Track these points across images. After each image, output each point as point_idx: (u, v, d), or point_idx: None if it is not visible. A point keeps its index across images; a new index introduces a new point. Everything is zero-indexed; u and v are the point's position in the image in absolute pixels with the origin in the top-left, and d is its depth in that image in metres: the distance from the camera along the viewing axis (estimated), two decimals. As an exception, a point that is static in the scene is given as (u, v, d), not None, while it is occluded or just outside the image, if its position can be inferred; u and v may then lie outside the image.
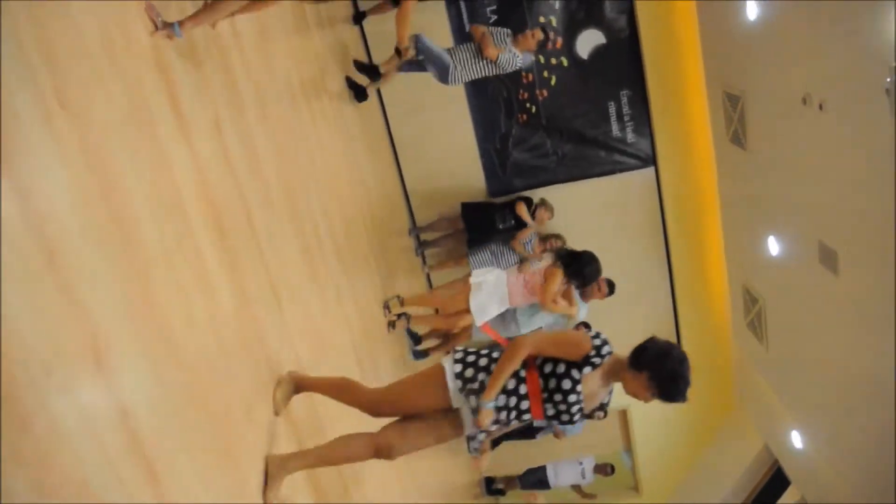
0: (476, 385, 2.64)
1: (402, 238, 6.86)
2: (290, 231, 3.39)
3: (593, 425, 7.19)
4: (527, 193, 7.12)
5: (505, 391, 2.63)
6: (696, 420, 8.09)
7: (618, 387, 2.71)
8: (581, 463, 8.03)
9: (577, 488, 8.37)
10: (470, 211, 7.02)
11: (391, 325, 5.15)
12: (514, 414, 2.65)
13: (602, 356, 2.60)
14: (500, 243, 6.88)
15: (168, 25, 2.41)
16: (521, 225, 6.78)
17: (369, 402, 2.80)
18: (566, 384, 2.57)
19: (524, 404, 2.63)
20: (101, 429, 1.61)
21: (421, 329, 5.76)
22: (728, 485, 7.82)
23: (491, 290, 4.93)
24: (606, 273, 5.38)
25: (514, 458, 8.09)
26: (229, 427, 2.29)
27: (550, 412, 2.63)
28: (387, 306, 5.19)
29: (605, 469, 8.04)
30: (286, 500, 2.58)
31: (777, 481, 7.58)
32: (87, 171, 1.78)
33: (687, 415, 7.97)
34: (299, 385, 2.86)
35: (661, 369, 2.53)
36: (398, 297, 5.29)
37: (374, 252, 5.27)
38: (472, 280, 4.98)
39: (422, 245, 7.31)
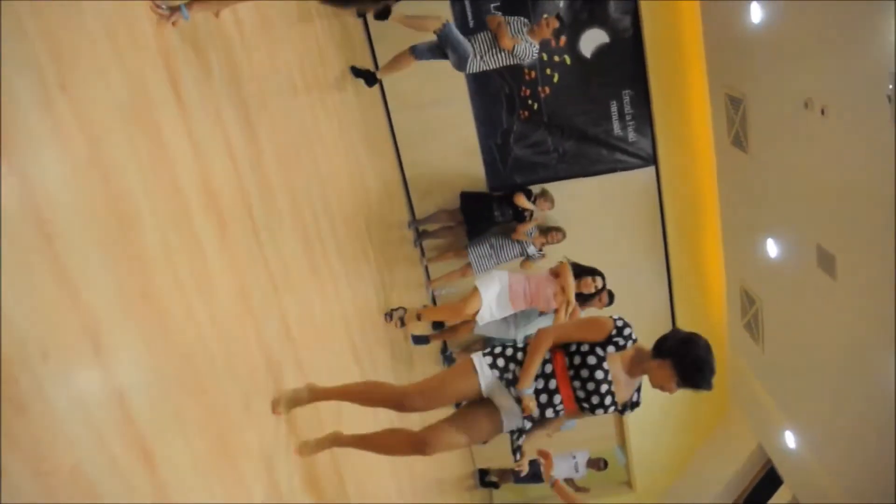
0: (510, 375, 2.72)
1: (401, 230, 6.87)
2: (289, 223, 3.40)
3: (587, 420, 7.26)
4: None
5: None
6: (691, 418, 8.14)
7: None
8: (574, 457, 8.08)
9: (570, 482, 8.42)
10: (469, 201, 7.04)
11: (388, 316, 5.17)
12: (544, 398, 2.70)
13: (624, 337, 2.66)
14: (500, 236, 6.91)
15: (175, 9, 2.42)
16: (519, 217, 6.80)
17: (399, 396, 2.84)
18: (591, 360, 2.64)
19: (552, 383, 2.69)
20: (98, 414, 1.62)
21: (423, 326, 5.82)
22: (721, 483, 7.87)
23: (500, 287, 5.09)
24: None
25: (507, 451, 8.11)
26: (226, 416, 2.31)
27: (580, 393, 2.68)
28: (400, 314, 5.25)
29: (598, 464, 8.10)
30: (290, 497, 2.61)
31: (769, 480, 7.62)
32: (87, 157, 1.79)
33: (681, 412, 8.02)
34: (319, 395, 2.87)
35: (685, 356, 2.58)
36: (423, 306, 5.34)
37: (374, 244, 5.28)
38: (478, 284, 5.14)
39: (420, 236, 7.32)
